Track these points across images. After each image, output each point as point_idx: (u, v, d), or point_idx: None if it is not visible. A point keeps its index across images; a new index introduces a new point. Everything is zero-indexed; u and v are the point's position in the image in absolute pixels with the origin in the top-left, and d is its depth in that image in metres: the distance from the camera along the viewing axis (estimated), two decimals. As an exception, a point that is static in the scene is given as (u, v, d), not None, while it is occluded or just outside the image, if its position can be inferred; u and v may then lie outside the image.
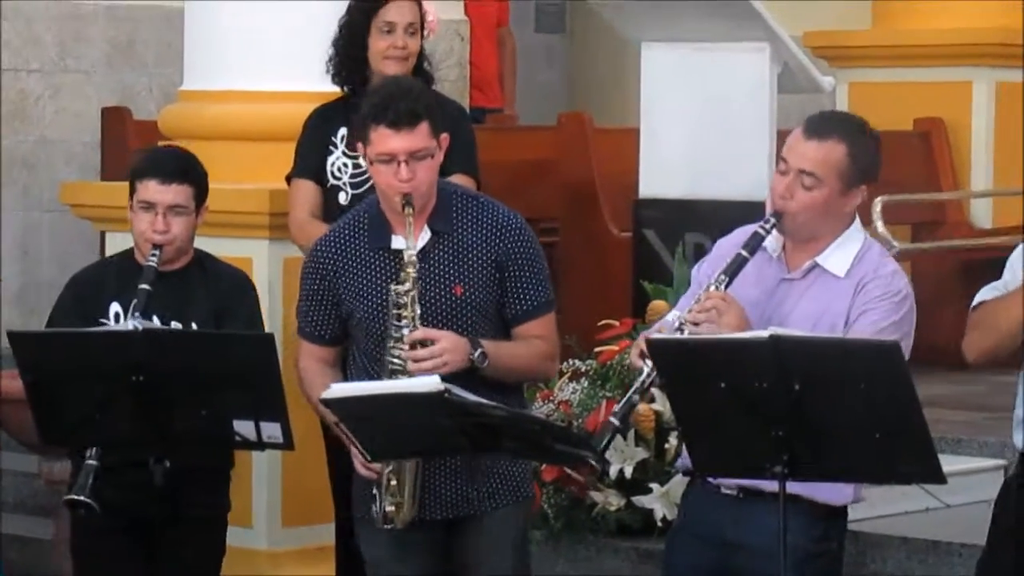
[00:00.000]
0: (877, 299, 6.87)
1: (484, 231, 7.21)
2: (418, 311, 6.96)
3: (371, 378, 7.02)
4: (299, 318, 7.51)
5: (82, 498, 7.30)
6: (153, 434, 7.26)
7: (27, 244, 11.40)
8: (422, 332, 6.93)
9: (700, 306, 6.65)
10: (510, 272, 7.18)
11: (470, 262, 7.17)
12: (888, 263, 7.07)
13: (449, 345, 6.94)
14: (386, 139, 6.99)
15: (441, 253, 7.14)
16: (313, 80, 8.96)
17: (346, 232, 7.35)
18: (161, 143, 8.56)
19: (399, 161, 6.98)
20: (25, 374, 7.49)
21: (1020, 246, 6.76)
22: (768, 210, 6.81)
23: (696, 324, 6.62)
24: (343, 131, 8.64)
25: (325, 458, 8.56)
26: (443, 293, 7.10)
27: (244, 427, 7.21)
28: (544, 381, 7.77)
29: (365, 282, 7.16)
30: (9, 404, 7.75)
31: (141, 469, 7.31)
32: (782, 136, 10.00)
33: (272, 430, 7.23)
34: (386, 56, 8.60)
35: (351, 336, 7.27)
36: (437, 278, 7.11)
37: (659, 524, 7.96)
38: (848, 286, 6.89)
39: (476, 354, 6.98)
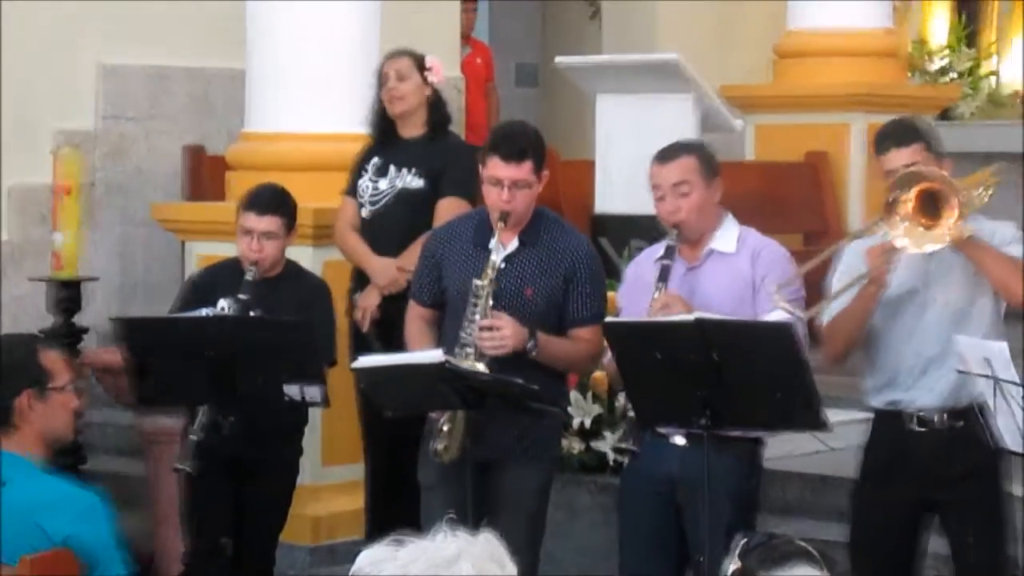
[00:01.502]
0: (775, 262, 6.89)
1: (561, 250, 7.16)
2: (490, 303, 6.90)
3: (449, 346, 6.90)
4: (411, 282, 7.56)
5: (184, 468, 7.40)
6: (222, 396, 7.29)
7: (124, 252, 11.30)
8: (490, 320, 6.86)
9: (657, 307, 6.57)
10: (574, 285, 7.10)
11: (544, 271, 7.11)
12: (767, 238, 7.11)
13: (510, 332, 6.86)
14: (497, 167, 6.97)
15: (523, 260, 7.08)
16: (341, 124, 8.96)
17: (458, 227, 7.38)
18: (252, 175, 8.49)
19: (504, 186, 6.94)
20: (124, 349, 7.49)
21: (846, 246, 6.73)
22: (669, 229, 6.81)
23: None
24: (376, 160, 8.53)
25: (357, 411, 8.46)
26: (516, 291, 7.03)
27: (291, 390, 7.28)
28: (582, 371, 7.65)
29: (460, 269, 7.11)
30: (108, 372, 7.69)
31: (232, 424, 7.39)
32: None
33: (313, 393, 7.31)
34: (386, 101, 8.53)
35: (448, 307, 7.20)
36: (515, 278, 7.05)
37: (611, 464, 7.91)
38: (743, 258, 6.87)
39: (530, 343, 6.91)
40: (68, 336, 8.67)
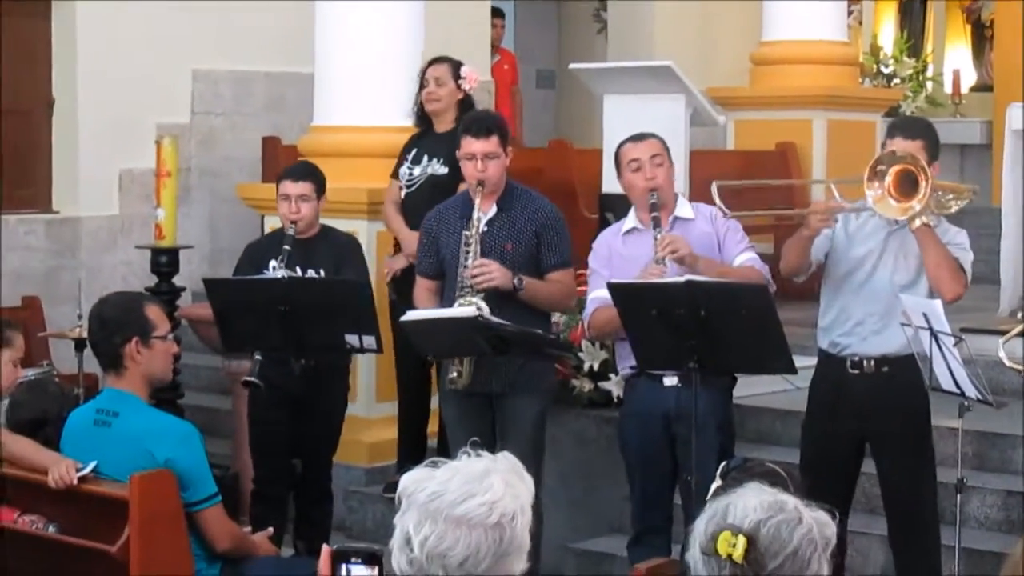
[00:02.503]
0: (729, 224, 6.96)
1: (530, 212, 7.22)
2: (479, 249, 6.98)
3: (450, 300, 7.01)
4: (416, 260, 7.55)
5: (253, 379, 7.37)
6: (293, 343, 7.28)
7: (213, 224, 11.33)
8: (480, 260, 6.94)
9: (666, 243, 6.61)
10: (543, 239, 7.17)
11: (519, 229, 7.16)
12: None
13: (496, 269, 6.94)
14: (470, 144, 7.08)
15: (501, 222, 7.14)
16: (389, 118, 8.94)
17: (447, 208, 7.39)
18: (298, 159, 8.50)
19: (477, 158, 7.04)
20: (214, 305, 7.52)
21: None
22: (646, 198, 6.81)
23: (673, 252, 6.59)
24: (415, 149, 8.53)
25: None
26: (498, 247, 7.08)
27: (351, 339, 7.28)
28: (564, 311, 7.68)
29: (452, 237, 7.14)
30: (201, 324, 7.74)
31: (289, 366, 7.36)
32: (692, 154, 10.02)
33: (369, 341, 7.30)
34: (426, 102, 8.54)
35: (447, 276, 7.21)
36: (496, 237, 7.09)
37: (615, 400, 7.87)
38: (703, 221, 6.95)
39: (516, 280, 6.98)
40: (167, 294, 8.69)
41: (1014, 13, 14.46)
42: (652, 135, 7.01)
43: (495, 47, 14.15)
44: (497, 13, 14.26)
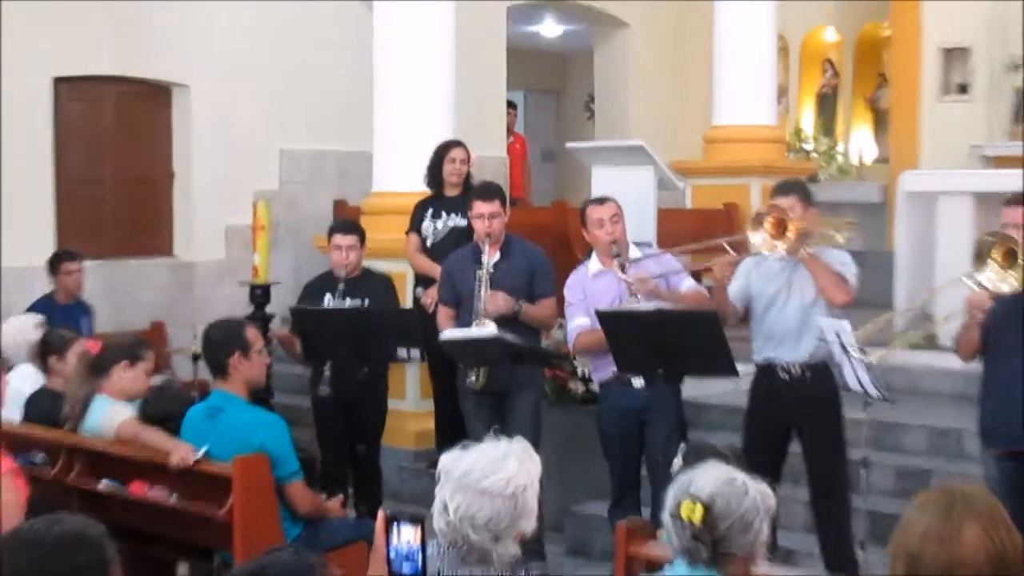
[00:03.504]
0: (668, 260, 7.08)
1: (525, 256, 7.30)
2: (488, 284, 7.08)
3: (465, 324, 7.08)
4: (439, 293, 7.59)
5: (323, 391, 7.42)
6: (359, 355, 7.28)
7: (296, 266, 11.33)
8: (491, 293, 7.06)
9: (641, 278, 6.68)
10: (535, 276, 7.25)
11: (517, 269, 7.22)
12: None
13: (502, 299, 7.05)
14: (479, 206, 7.15)
15: (504, 265, 7.19)
16: (419, 185, 8.81)
17: (461, 254, 7.45)
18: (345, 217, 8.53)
19: (485, 217, 7.11)
20: (296, 327, 7.54)
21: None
22: (610, 250, 6.81)
23: (644, 286, 6.65)
24: (431, 210, 8.56)
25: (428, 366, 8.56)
26: (503, 283, 7.13)
27: (401, 352, 7.28)
28: (548, 328, 7.66)
29: (466, 276, 7.20)
30: (286, 341, 7.72)
31: (352, 373, 7.36)
32: (660, 212, 10.00)
33: (414, 353, 7.32)
34: (449, 175, 8.55)
35: (461, 304, 7.26)
36: (500, 276, 7.14)
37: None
38: (648, 262, 6.96)
39: (518, 306, 7.09)
40: (261, 319, 8.70)
41: (905, 103, 14.47)
42: (610, 198, 6.99)
43: (510, 130, 14.16)
44: (511, 104, 14.28)
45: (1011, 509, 5.66)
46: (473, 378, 7.11)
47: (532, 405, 7.30)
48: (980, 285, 5.77)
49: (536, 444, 7.10)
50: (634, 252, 6.99)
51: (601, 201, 6.98)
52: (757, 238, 6.24)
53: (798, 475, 6.81)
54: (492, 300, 7.04)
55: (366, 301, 7.63)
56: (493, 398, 7.16)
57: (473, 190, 7.55)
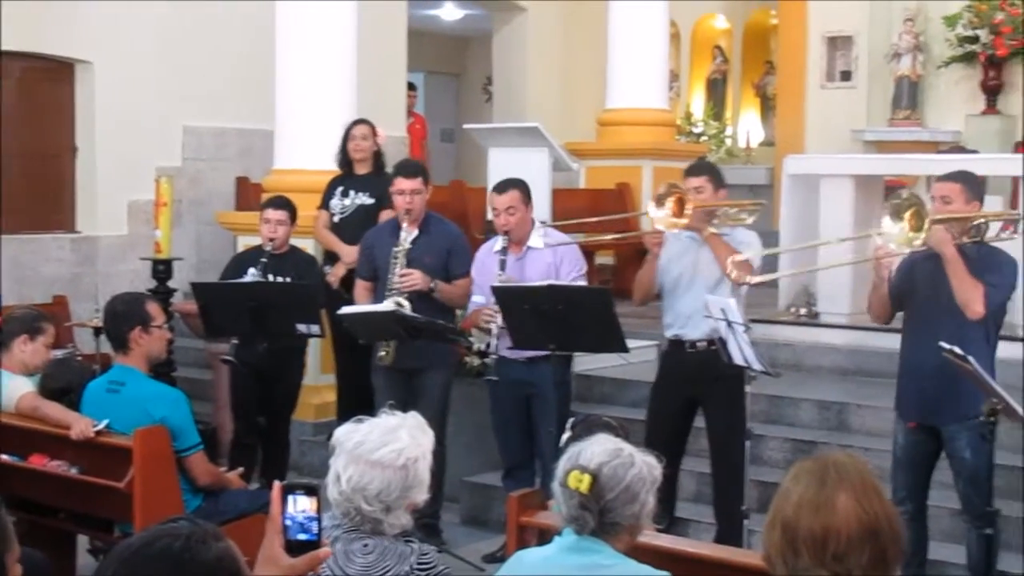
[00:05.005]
0: (567, 252, 6.99)
1: (443, 235, 7.28)
2: (405, 261, 7.04)
3: (382, 299, 7.03)
4: (357, 267, 7.56)
5: (229, 358, 7.39)
6: (259, 330, 7.20)
7: (198, 242, 11.23)
8: (406, 270, 7.03)
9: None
10: (452, 255, 7.22)
11: (435, 247, 7.19)
12: (565, 236, 7.25)
13: (418, 277, 7.02)
14: (400, 182, 7.13)
15: (422, 241, 7.16)
16: (326, 164, 8.76)
17: (381, 229, 7.49)
18: (270, 194, 8.41)
19: (406, 193, 7.08)
20: (198, 302, 7.41)
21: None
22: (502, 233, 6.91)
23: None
24: (340, 188, 8.49)
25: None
26: (420, 259, 7.11)
27: (301, 327, 7.18)
28: (463, 307, 7.64)
29: (384, 251, 7.16)
30: (189, 316, 7.65)
31: (252, 347, 7.31)
32: (555, 192, 10.03)
33: (315, 329, 7.23)
34: (352, 152, 8.48)
35: (379, 279, 7.22)
36: (418, 252, 7.12)
37: (492, 350, 7.79)
38: (549, 252, 6.94)
39: (432, 284, 7.06)
40: (163, 294, 8.55)
41: (791, 89, 14.64)
42: (513, 186, 6.97)
43: (410, 111, 14.08)
44: (411, 86, 14.21)
45: (913, 479, 5.93)
46: (382, 353, 7.06)
47: (441, 384, 7.27)
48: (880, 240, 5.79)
49: (444, 421, 7.20)
50: (536, 240, 6.99)
51: (502, 190, 6.98)
52: (658, 214, 6.27)
53: (688, 446, 6.87)
54: (409, 276, 7.00)
55: (288, 279, 7.58)
56: (404, 375, 7.12)
57: (396, 166, 7.49)
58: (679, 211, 6.24)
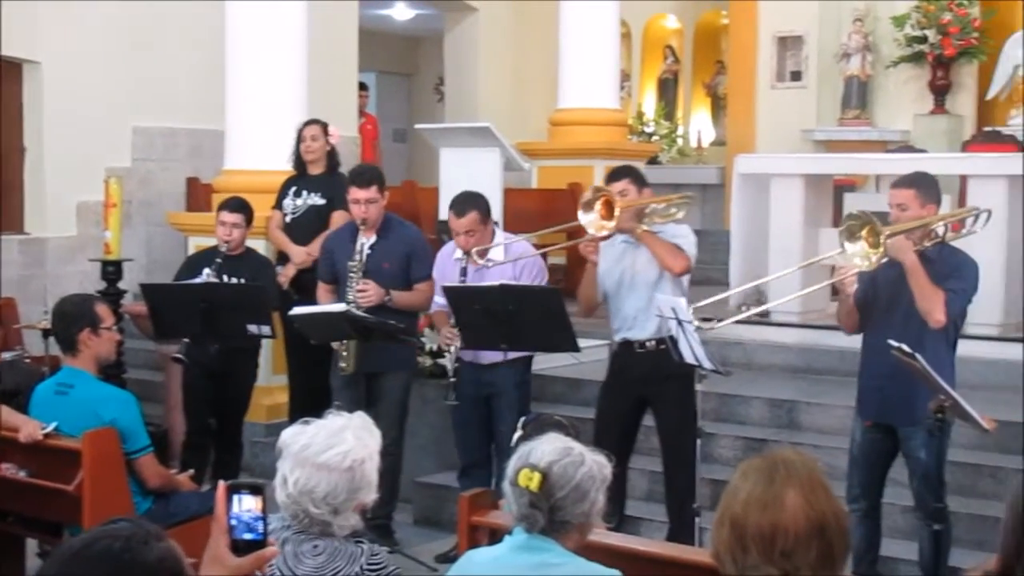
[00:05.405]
0: (528, 264, 6.98)
1: (403, 238, 7.24)
2: (361, 273, 6.98)
3: (343, 301, 6.97)
4: (319, 270, 7.50)
5: (180, 356, 7.23)
6: (209, 331, 7.14)
7: (148, 243, 11.17)
8: (362, 284, 6.96)
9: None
10: (413, 259, 7.19)
11: (394, 252, 7.15)
12: (528, 246, 7.26)
13: (372, 291, 6.96)
14: (355, 192, 7.09)
15: (381, 246, 7.13)
16: (279, 164, 8.73)
17: (342, 231, 7.42)
18: (221, 195, 8.36)
19: (360, 203, 7.04)
20: (148, 303, 7.34)
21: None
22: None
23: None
24: (294, 187, 8.46)
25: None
26: (378, 265, 7.06)
27: (252, 328, 7.11)
28: (425, 311, 7.60)
29: (343, 256, 7.12)
30: (139, 317, 7.59)
31: (203, 349, 7.26)
32: (506, 191, 10.02)
33: (266, 330, 7.16)
34: (304, 152, 8.46)
35: (339, 281, 7.18)
36: (377, 257, 7.08)
37: (449, 373, 7.78)
38: (509, 265, 6.91)
39: (387, 297, 7.00)
40: (113, 295, 8.49)
41: (741, 89, 14.69)
42: (472, 207, 6.89)
43: (361, 111, 14.06)
44: (363, 86, 14.18)
45: (868, 477, 5.97)
46: (343, 364, 6.98)
47: (401, 387, 7.26)
48: (843, 262, 5.81)
49: (403, 423, 7.19)
50: (498, 253, 6.95)
51: (460, 212, 6.87)
52: (587, 219, 6.27)
53: (640, 445, 6.88)
54: (363, 293, 6.94)
55: (242, 280, 7.54)
56: (363, 377, 7.06)
57: (349, 174, 7.45)
58: (608, 214, 6.25)
